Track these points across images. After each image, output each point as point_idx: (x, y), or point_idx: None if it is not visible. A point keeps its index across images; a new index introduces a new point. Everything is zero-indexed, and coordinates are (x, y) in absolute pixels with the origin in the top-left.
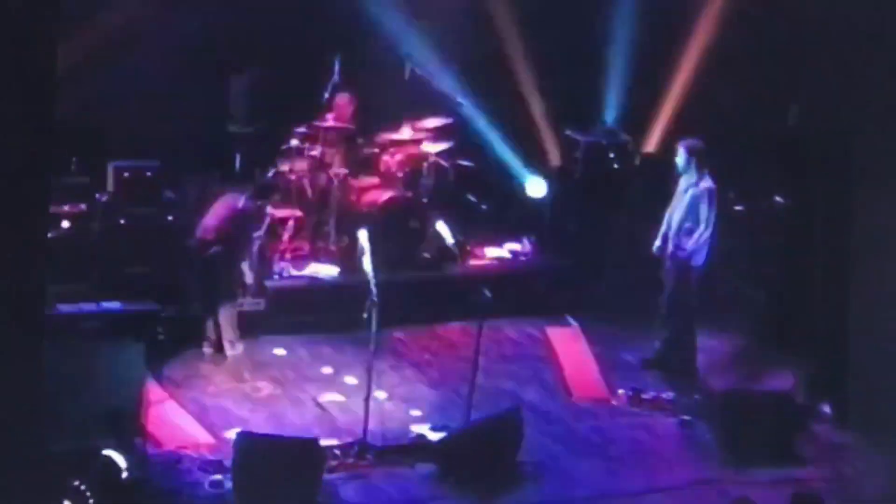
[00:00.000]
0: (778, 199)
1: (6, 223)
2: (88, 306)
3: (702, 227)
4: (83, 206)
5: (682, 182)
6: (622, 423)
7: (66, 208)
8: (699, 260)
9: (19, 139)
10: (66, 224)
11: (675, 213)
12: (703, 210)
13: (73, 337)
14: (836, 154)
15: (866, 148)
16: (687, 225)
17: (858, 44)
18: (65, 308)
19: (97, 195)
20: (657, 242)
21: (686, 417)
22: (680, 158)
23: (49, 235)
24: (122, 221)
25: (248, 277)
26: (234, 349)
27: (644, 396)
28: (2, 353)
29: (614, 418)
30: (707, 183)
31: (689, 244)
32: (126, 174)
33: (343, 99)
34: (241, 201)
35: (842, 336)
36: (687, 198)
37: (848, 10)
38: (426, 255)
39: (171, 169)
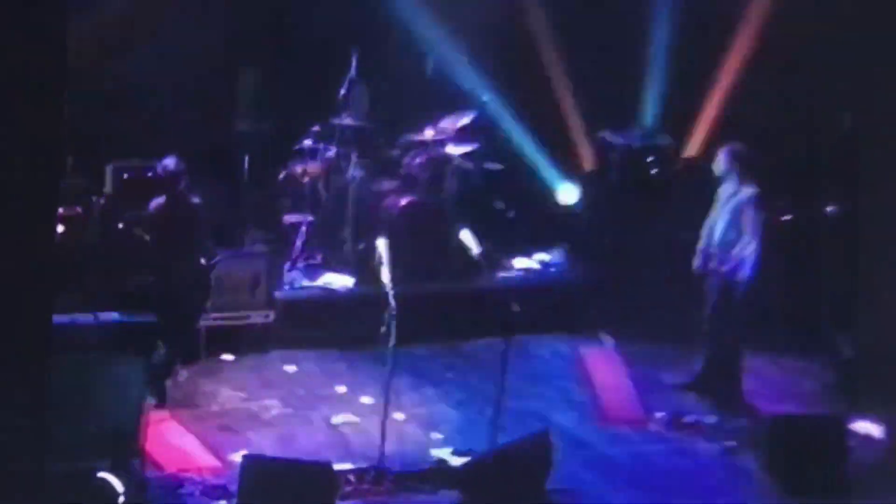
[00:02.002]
0: (831, 207)
1: (12, 231)
2: (84, 318)
3: (746, 237)
4: (79, 210)
5: (723, 190)
6: (660, 450)
7: (60, 211)
8: (744, 274)
9: (27, 143)
10: (60, 228)
11: (716, 224)
12: (748, 219)
13: (68, 351)
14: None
15: None
16: (730, 237)
17: None
18: (59, 319)
19: (93, 198)
20: (696, 260)
21: (730, 444)
22: (720, 164)
23: None
24: (121, 226)
25: None
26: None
27: (684, 420)
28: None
29: (652, 444)
30: (750, 189)
31: (733, 257)
32: (126, 175)
33: (359, 94)
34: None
35: None
36: (729, 207)
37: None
38: (450, 265)
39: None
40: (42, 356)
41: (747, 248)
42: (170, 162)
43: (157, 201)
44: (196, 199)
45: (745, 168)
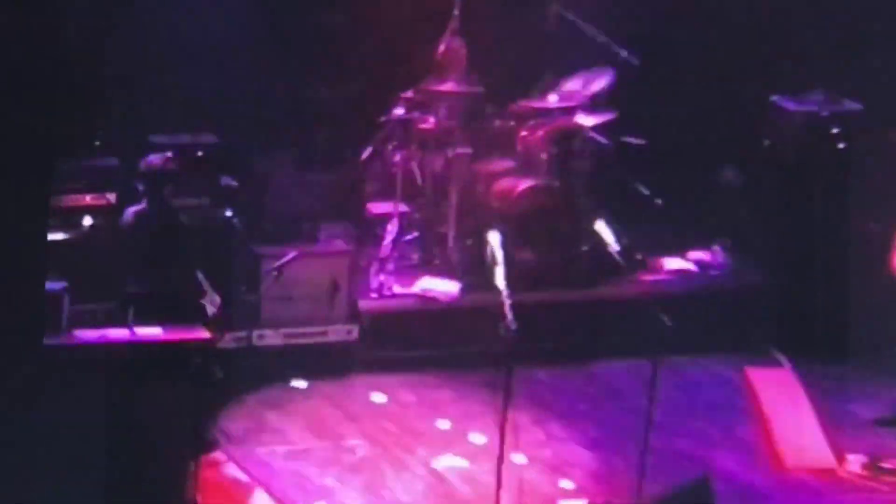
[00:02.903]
0: None
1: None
2: (118, 333)
3: None
4: (111, 198)
5: None
6: (854, 502)
7: (87, 199)
8: None
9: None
10: (87, 221)
11: None
12: None
13: (99, 374)
14: None
15: None
16: None
17: None
18: (86, 336)
19: (137, 182)
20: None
21: None
22: None
23: (64, 237)
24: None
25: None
26: None
27: (884, 465)
28: None
29: (844, 495)
30: None
31: None
32: (170, 154)
33: (450, 47)
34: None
35: None
36: None
37: None
38: (580, 266)
39: (231, 147)
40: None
41: None
42: (155, 159)
43: (136, 209)
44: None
45: None
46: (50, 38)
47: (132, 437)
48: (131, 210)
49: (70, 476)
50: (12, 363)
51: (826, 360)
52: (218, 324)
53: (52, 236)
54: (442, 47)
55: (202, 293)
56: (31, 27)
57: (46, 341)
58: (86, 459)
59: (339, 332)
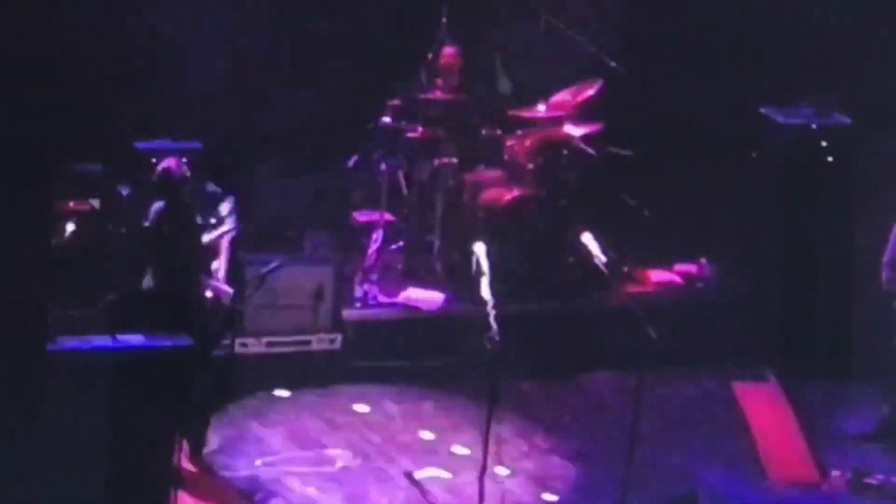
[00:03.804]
0: None
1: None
2: (100, 340)
3: None
4: (94, 203)
5: None
6: None
7: (70, 206)
8: None
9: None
10: (70, 227)
11: None
12: None
13: (80, 381)
14: None
15: None
16: None
17: None
18: (68, 343)
19: (119, 188)
20: (884, 273)
21: None
22: None
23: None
24: (147, 224)
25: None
26: None
27: (868, 481)
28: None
29: None
30: None
31: None
32: (153, 160)
33: (449, 54)
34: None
35: None
36: None
37: None
38: (566, 277)
39: (216, 154)
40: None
41: None
42: (172, 163)
43: (157, 207)
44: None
45: None
46: (41, 45)
47: (116, 439)
48: (154, 208)
49: (65, 475)
50: (18, 368)
51: (815, 373)
52: (231, 317)
53: None
54: (430, 56)
55: (216, 287)
56: (24, 35)
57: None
58: (62, 468)
59: (323, 342)
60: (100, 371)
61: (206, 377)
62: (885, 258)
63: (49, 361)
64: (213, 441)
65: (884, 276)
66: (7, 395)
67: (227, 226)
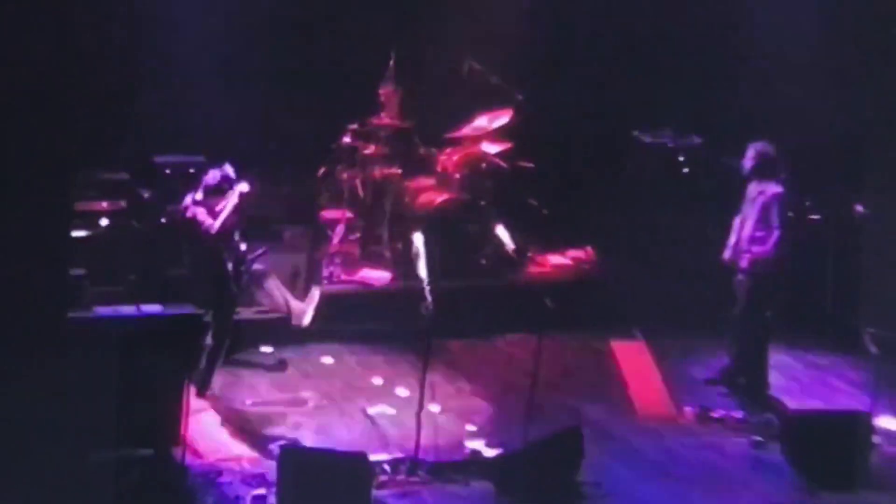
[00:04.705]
0: (859, 207)
1: (23, 219)
2: (127, 310)
3: (775, 234)
4: (123, 203)
5: (752, 188)
6: (689, 443)
7: (104, 205)
8: (771, 270)
9: (35, 129)
10: (104, 222)
11: (746, 220)
12: (773, 216)
13: (112, 341)
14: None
15: None
16: (759, 233)
17: None
18: (103, 311)
19: (140, 191)
20: (726, 253)
21: (757, 438)
22: (747, 162)
23: (86, 234)
24: (164, 221)
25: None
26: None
27: (713, 415)
28: (29, 361)
29: (681, 438)
30: (776, 188)
31: (761, 253)
32: (168, 171)
33: (387, 91)
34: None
35: None
36: (757, 205)
37: None
38: (484, 261)
39: (217, 165)
40: (60, 346)
41: (773, 245)
42: (228, 169)
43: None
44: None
45: (770, 167)
46: (72, 67)
47: (137, 387)
48: (186, 202)
49: (86, 420)
50: (41, 334)
51: (673, 333)
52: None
53: (75, 233)
54: (381, 90)
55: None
56: (54, 56)
57: (72, 316)
58: (100, 405)
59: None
60: (127, 332)
61: (218, 335)
62: (729, 242)
63: (86, 325)
64: (213, 385)
65: (726, 255)
66: (33, 352)
67: (242, 187)
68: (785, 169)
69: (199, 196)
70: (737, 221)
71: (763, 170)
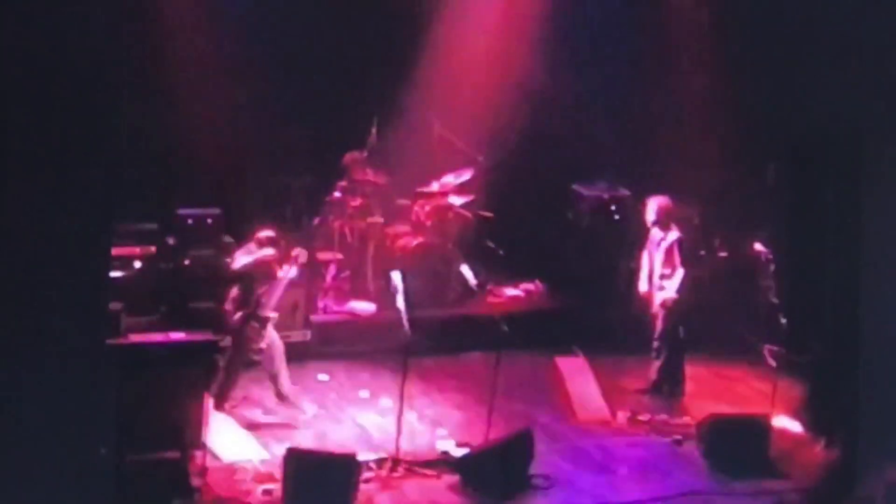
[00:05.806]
0: (758, 245)
1: (70, 263)
2: (157, 336)
3: (679, 271)
4: (153, 249)
5: (655, 233)
6: (621, 442)
7: (137, 250)
8: (679, 299)
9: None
10: (137, 264)
11: (655, 259)
12: (676, 257)
13: (144, 363)
14: (846, 160)
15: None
16: (666, 270)
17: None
18: (136, 338)
19: (167, 238)
20: (642, 285)
21: (677, 437)
22: (650, 214)
23: (122, 274)
24: (187, 262)
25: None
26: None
27: (641, 418)
28: (76, 375)
29: (615, 437)
30: (675, 234)
31: (670, 286)
32: (190, 221)
33: (349, 158)
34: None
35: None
36: (662, 248)
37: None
38: (451, 294)
39: (230, 216)
40: (105, 366)
41: (677, 279)
42: (271, 232)
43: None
44: None
45: (669, 217)
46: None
47: (164, 401)
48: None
49: (122, 428)
50: (85, 357)
51: (608, 351)
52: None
53: (113, 274)
54: (366, 152)
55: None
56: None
57: (110, 342)
58: (132, 414)
59: (298, 335)
60: (156, 355)
61: (235, 359)
62: (641, 275)
63: (123, 349)
64: (230, 399)
65: (642, 288)
66: (78, 373)
67: (292, 274)
68: (697, 215)
69: (253, 247)
70: (644, 256)
71: (663, 221)
